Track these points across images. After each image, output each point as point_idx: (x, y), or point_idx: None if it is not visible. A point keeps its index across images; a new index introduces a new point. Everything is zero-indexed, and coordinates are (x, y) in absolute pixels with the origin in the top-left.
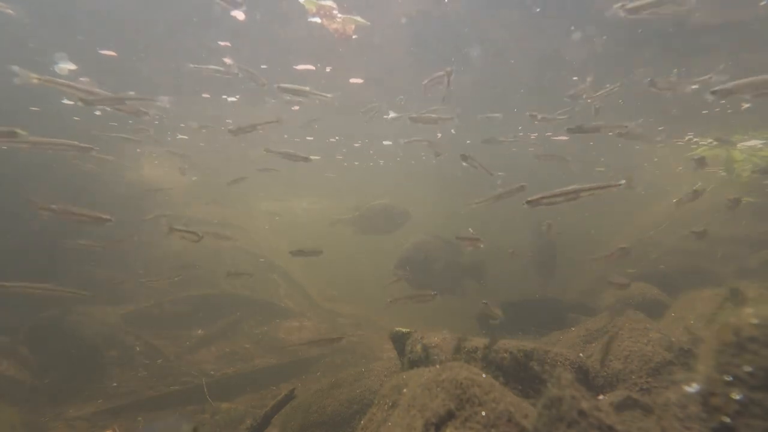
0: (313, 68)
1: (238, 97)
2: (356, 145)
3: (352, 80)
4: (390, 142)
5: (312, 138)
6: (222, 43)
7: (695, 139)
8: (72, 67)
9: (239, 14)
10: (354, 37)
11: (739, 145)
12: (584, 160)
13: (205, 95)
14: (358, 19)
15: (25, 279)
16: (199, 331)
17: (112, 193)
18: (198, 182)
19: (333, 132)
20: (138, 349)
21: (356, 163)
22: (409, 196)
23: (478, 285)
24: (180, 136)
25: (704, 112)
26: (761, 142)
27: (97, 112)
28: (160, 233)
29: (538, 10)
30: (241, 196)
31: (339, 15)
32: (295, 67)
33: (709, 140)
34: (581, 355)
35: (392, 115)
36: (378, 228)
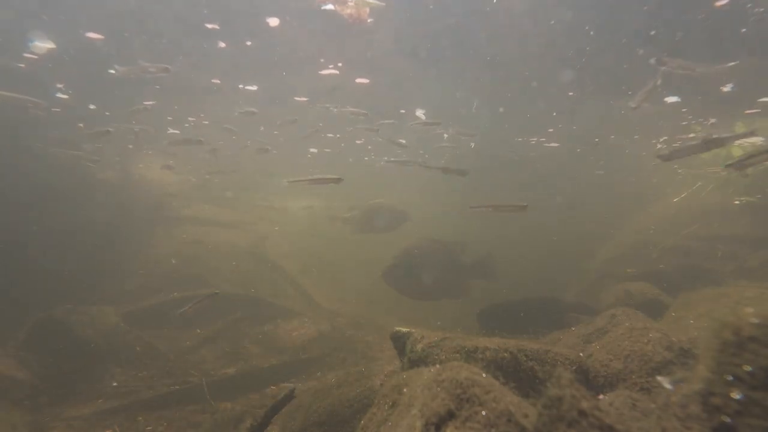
0: (337, 72)
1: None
2: (358, 142)
3: (358, 80)
4: (404, 141)
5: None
6: (210, 26)
7: (692, 135)
8: (50, 45)
9: (273, 20)
10: (369, 20)
11: (738, 142)
12: (582, 162)
13: (215, 80)
14: (372, 0)
15: None
16: (199, 331)
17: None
18: (198, 183)
19: (338, 129)
20: (138, 349)
21: (361, 159)
22: (411, 196)
23: (489, 282)
24: (171, 131)
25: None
26: (762, 138)
27: (92, 106)
28: (160, 234)
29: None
30: (241, 197)
31: None
32: (320, 72)
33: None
34: (581, 355)
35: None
36: (375, 227)
